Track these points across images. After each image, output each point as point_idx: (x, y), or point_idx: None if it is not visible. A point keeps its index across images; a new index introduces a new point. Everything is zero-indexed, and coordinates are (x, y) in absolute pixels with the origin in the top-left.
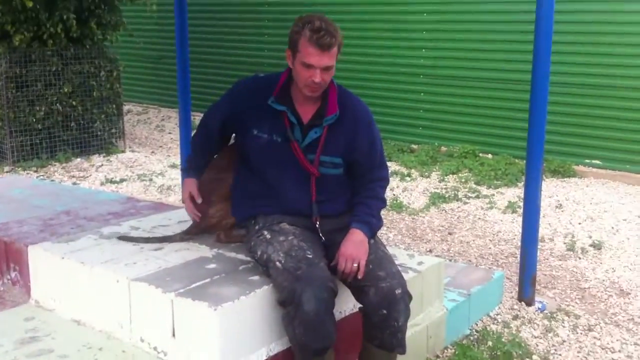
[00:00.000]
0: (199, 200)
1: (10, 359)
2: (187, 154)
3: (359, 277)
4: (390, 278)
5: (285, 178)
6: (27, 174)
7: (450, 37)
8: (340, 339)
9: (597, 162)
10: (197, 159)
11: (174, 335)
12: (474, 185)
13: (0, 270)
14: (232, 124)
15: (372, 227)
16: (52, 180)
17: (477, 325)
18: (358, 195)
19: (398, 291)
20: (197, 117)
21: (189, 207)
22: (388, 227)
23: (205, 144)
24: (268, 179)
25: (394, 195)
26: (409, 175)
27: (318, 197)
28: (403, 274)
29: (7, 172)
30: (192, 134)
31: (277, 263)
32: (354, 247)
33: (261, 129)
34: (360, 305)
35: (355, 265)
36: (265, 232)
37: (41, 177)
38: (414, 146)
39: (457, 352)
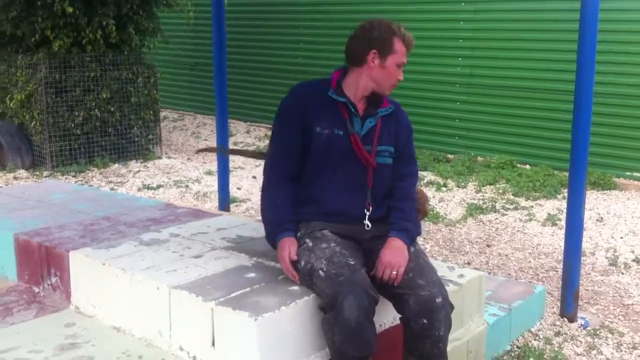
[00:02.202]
0: (294, 258)
1: None
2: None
3: (396, 284)
4: (431, 287)
5: (341, 174)
6: (66, 178)
7: (488, 45)
8: (379, 353)
9: (639, 174)
10: (284, 211)
11: (213, 344)
12: (511, 197)
13: (41, 275)
14: (304, 134)
15: (410, 233)
16: (91, 186)
17: (518, 340)
18: (391, 196)
19: (439, 300)
20: (232, 124)
21: (287, 267)
22: (425, 238)
23: (294, 173)
24: (324, 178)
25: (430, 205)
26: (445, 185)
27: (374, 189)
28: None
29: (46, 176)
30: (264, 194)
31: (320, 272)
32: (394, 254)
33: (322, 125)
34: (400, 316)
35: (395, 272)
36: (308, 240)
37: (79, 182)
38: (450, 156)
39: None
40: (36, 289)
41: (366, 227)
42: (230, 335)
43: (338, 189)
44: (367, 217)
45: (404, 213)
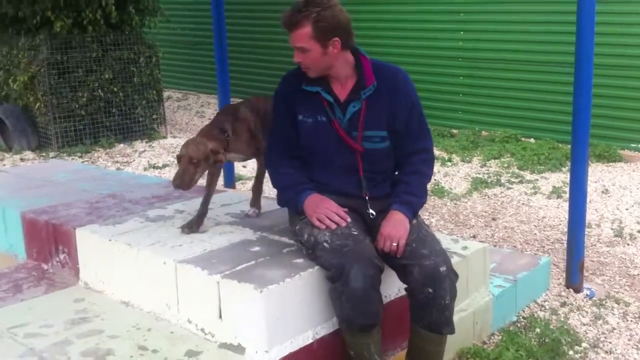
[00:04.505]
0: (336, 207)
1: (61, 339)
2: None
3: (397, 255)
4: (435, 256)
5: (333, 159)
6: (72, 159)
7: (489, 18)
8: (386, 324)
9: None
10: (299, 177)
11: (220, 316)
12: (516, 170)
13: (50, 252)
14: (294, 121)
15: (412, 206)
16: (97, 166)
17: (524, 311)
18: (400, 171)
19: (443, 269)
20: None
21: (337, 211)
22: (430, 212)
23: (296, 154)
24: (318, 162)
25: (435, 180)
26: (449, 160)
27: (366, 174)
28: None
29: (52, 157)
30: (274, 173)
31: (325, 244)
32: (393, 226)
33: (305, 113)
34: (405, 286)
35: (395, 244)
36: None
37: (86, 162)
38: (454, 131)
39: (504, 339)
40: (45, 266)
41: (371, 216)
42: (236, 308)
43: (333, 172)
44: (368, 205)
45: (409, 187)
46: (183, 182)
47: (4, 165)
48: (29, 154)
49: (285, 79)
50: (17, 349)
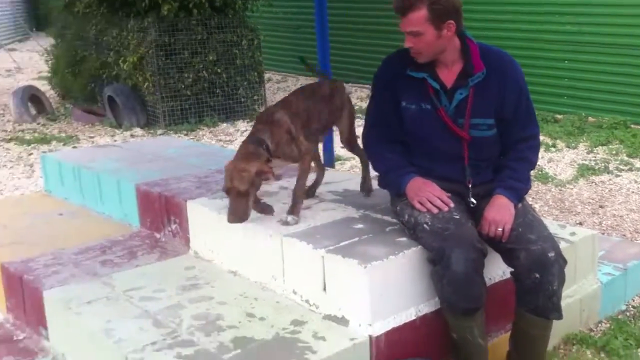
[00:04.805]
0: (440, 190)
1: (173, 303)
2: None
3: (503, 240)
4: (542, 241)
5: (438, 146)
6: (178, 136)
7: (597, 1)
8: (490, 306)
9: None
10: (398, 160)
11: (324, 289)
12: (626, 158)
13: (162, 222)
14: (395, 105)
15: (517, 191)
16: (203, 143)
17: (633, 301)
18: (505, 157)
19: (551, 254)
20: None
21: (440, 195)
22: (534, 198)
23: (397, 138)
24: (422, 148)
25: (538, 165)
26: (554, 145)
27: (471, 161)
28: None
29: (160, 134)
30: (371, 158)
31: (425, 225)
32: (497, 211)
33: (408, 99)
34: (511, 270)
35: (500, 229)
36: None
37: (191, 140)
38: (558, 116)
39: (612, 327)
40: (157, 235)
41: (471, 205)
42: (341, 281)
43: (437, 159)
44: (470, 194)
45: (515, 173)
46: (239, 216)
47: (115, 140)
48: (138, 131)
49: (386, 63)
50: (133, 310)
